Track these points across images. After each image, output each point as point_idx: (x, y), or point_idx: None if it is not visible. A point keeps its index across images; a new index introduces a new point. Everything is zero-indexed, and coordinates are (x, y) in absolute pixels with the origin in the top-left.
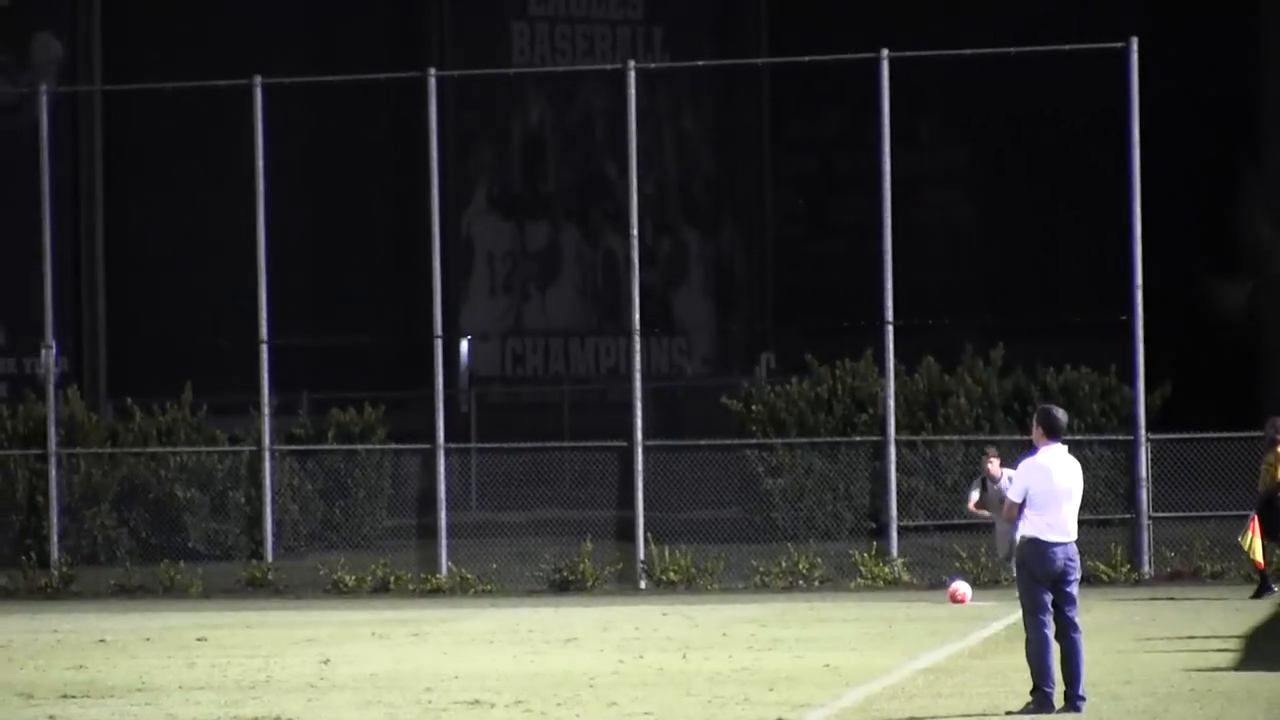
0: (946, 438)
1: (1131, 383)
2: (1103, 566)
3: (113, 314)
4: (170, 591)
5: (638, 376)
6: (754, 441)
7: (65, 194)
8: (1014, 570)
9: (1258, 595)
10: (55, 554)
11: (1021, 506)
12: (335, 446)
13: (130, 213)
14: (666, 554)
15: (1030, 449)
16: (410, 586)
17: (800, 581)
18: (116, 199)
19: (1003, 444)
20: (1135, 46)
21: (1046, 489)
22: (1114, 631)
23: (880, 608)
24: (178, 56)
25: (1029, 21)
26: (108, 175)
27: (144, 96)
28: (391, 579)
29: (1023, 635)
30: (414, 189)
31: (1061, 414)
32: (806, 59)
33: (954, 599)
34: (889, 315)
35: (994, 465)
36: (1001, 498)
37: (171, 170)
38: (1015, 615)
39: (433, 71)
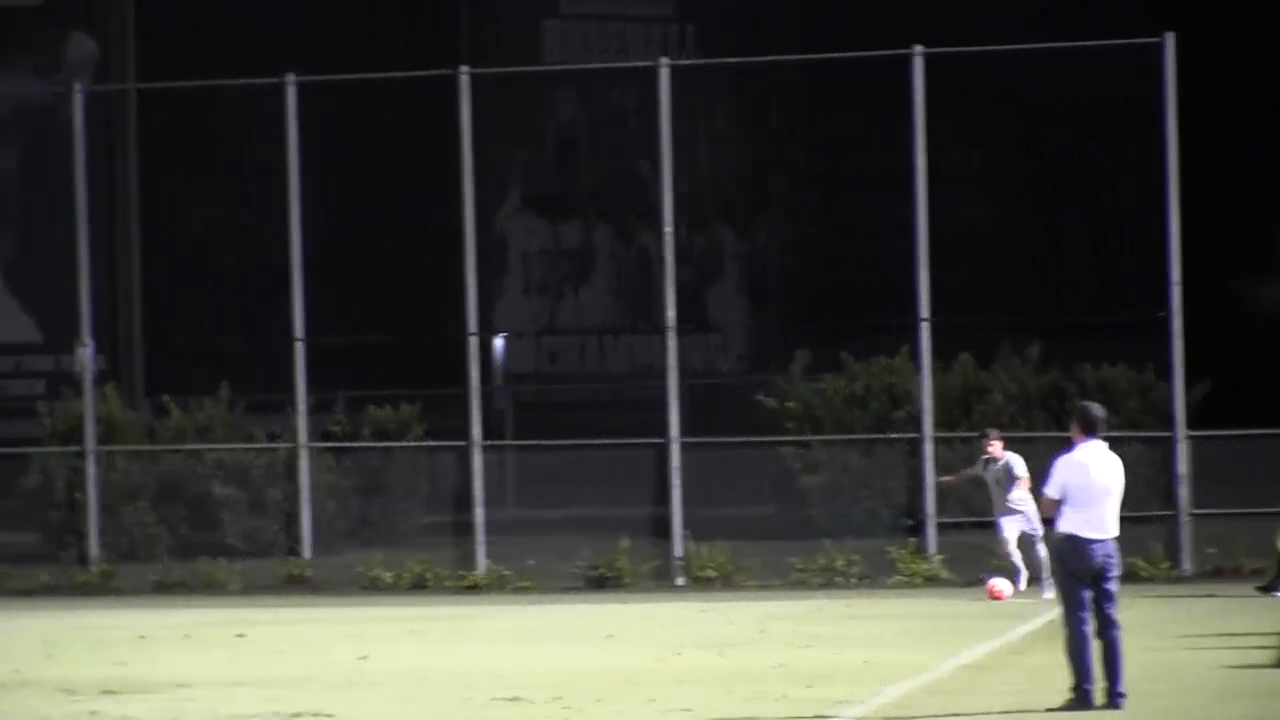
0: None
1: (1169, 379)
2: (1142, 563)
3: (149, 311)
4: (208, 588)
5: (673, 374)
6: (790, 439)
7: (100, 192)
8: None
9: (1266, 590)
10: (94, 551)
11: (1060, 503)
12: (371, 444)
13: (165, 210)
14: (704, 551)
15: (1069, 445)
16: (447, 584)
17: (838, 579)
18: (151, 197)
19: (1040, 441)
20: (1171, 42)
21: (1084, 485)
22: (1154, 628)
23: (918, 605)
24: (211, 54)
25: (1057, 14)
26: (143, 173)
27: (178, 95)
28: (429, 576)
29: (1062, 632)
30: (447, 187)
31: (1099, 410)
32: (838, 56)
33: (993, 596)
34: (924, 312)
35: (995, 447)
36: (999, 479)
37: (206, 168)
38: (1054, 612)
39: (465, 70)
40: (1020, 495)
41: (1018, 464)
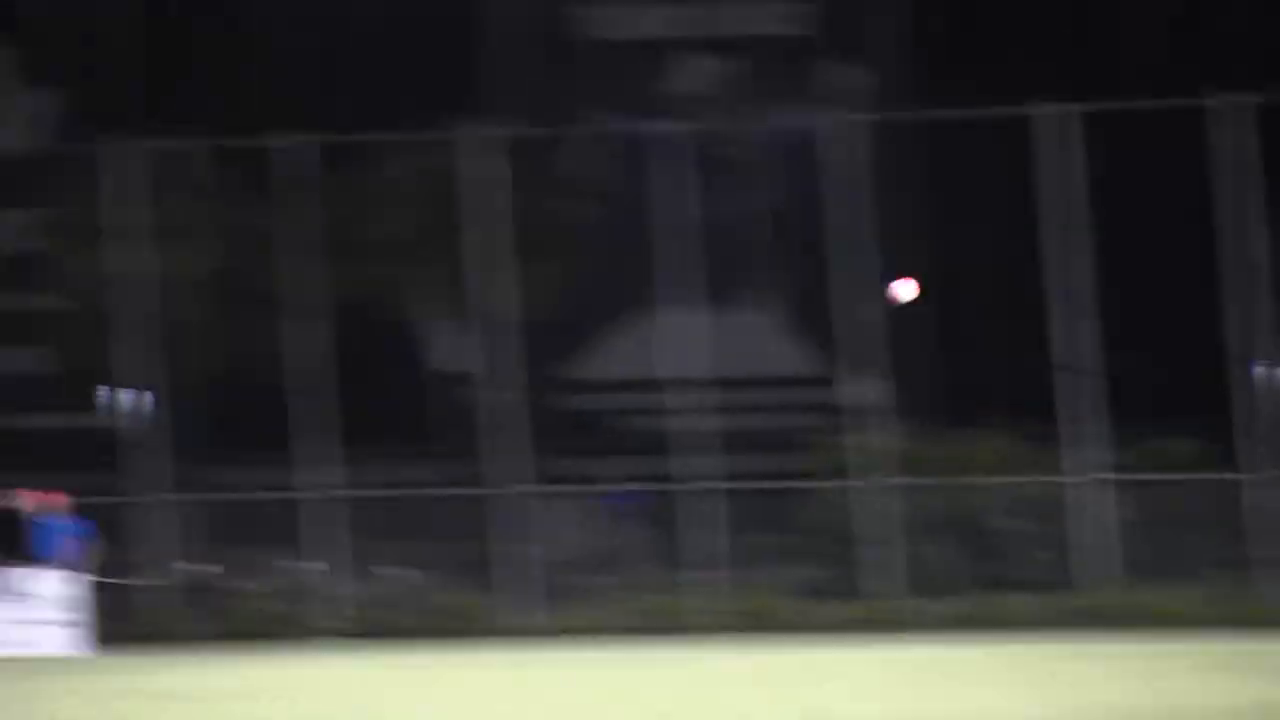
0: None
1: None
2: None
3: (940, 341)
4: (997, 622)
5: None
6: None
7: (873, 219)
8: None
9: None
10: (882, 585)
11: None
12: (1162, 476)
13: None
14: None
15: None
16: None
17: None
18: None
19: None
20: None
21: None
22: None
23: None
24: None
25: None
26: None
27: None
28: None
29: None
30: (1213, 212)
31: None
32: None
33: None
34: None
35: None
36: None
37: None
38: None
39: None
40: None
41: None
